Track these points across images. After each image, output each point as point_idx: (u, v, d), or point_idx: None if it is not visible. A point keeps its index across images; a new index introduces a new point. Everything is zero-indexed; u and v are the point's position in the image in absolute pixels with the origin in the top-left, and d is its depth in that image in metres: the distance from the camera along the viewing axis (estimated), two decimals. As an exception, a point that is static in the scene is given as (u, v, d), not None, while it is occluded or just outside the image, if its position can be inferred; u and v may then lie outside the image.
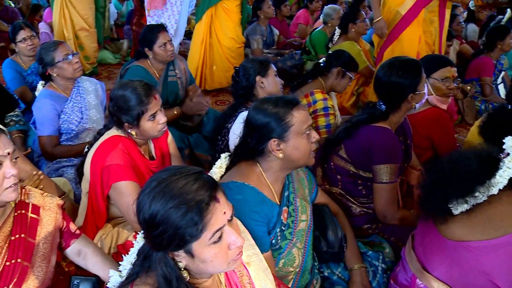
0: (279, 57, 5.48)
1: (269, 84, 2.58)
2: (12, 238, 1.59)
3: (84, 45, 5.52)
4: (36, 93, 3.08)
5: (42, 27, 6.32)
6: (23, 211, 1.65)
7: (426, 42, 3.80)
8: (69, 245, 1.79)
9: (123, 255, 1.95)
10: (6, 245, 1.57)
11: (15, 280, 1.56)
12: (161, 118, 2.15)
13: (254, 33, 5.53)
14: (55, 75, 2.91)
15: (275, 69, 2.65)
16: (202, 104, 3.33)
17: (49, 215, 1.70)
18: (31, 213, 1.66)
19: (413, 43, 3.78)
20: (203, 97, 3.50)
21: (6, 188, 1.50)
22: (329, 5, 5.56)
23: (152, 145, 2.36)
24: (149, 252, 1.23)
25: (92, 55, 5.65)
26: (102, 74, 6.01)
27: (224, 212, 1.17)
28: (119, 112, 2.12)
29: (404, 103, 2.26)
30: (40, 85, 3.09)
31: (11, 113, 3.25)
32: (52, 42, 3.03)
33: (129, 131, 2.15)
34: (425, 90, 2.31)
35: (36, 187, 1.99)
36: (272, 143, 1.70)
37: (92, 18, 5.56)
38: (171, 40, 3.34)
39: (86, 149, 2.31)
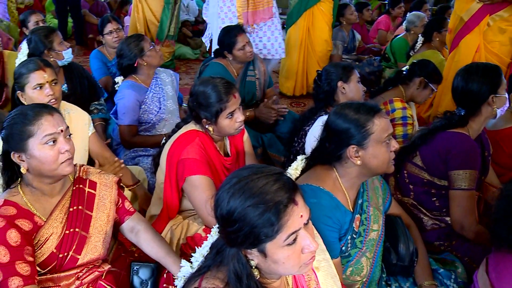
0: (357, 63, 5.41)
1: (351, 90, 2.56)
2: (71, 209, 1.74)
3: (154, 39, 5.72)
4: (116, 87, 3.24)
5: (127, 20, 6.61)
6: (80, 186, 1.81)
7: (493, 53, 3.57)
8: (124, 221, 1.93)
9: (194, 246, 2.04)
10: (66, 215, 1.73)
11: (74, 247, 1.72)
12: (239, 117, 2.19)
13: (335, 38, 5.48)
14: (144, 64, 3.07)
15: (358, 75, 2.62)
16: (271, 113, 3.36)
17: (105, 190, 1.86)
18: (88, 188, 1.83)
19: (470, 52, 3.63)
20: (278, 103, 3.52)
21: (62, 163, 1.64)
22: (413, 12, 5.41)
23: (227, 142, 2.40)
24: (222, 247, 1.26)
25: (163, 50, 5.75)
26: (181, 68, 6.21)
27: (301, 215, 1.18)
28: (198, 108, 2.18)
29: (485, 106, 2.19)
30: (119, 79, 3.24)
31: (95, 102, 3.44)
32: (134, 35, 3.21)
33: (206, 127, 2.21)
34: (507, 96, 2.22)
35: (115, 174, 2.10)
36: (351, 150, 1.69)
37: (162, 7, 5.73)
38: (249, 41, 3.38)
39: (163, 141, 2.40)
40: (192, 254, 1.52)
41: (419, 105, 4.06)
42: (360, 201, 1.84)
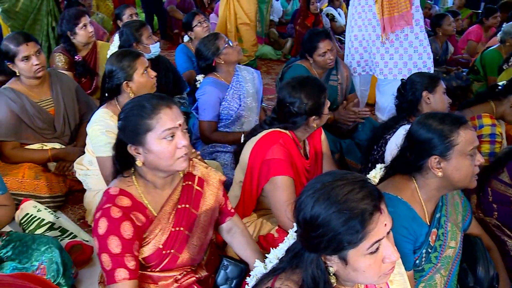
0: (445, 75, 5.21)
1: (436, 101, 2.50)
2: (179, 206, 1.75)
3: (244, 38, 5.82)
4: (197, 84, 3.34)
5: (212, 18, 6.81)
6: (189, 183, 1.80)
7: None
8: (224, 222, 1.95)
9: (265, 246, 2.07)
10: (174, 212, 1.73)
11: (177, 245, 1.72)
12: (325, 119, 2.28)
13: (428, 49, 5.30)
14: (222, 62, 3.16)
15: (444, 86, 2.56)
16: (350, 115, 3.33)
17: (211, 190, 1.85)
18: (197, 185, 1.82)
19: None
20: (357, 107, 3.49)
21: (178, 158, 1.61)
22: (511, 23, 5.14)
23: (307, 143, 2.43)
24: (300, 251, 1.26)
25: (250, 48, 5.91)
26: (262, 68, 6.30)
27: (385, 224, 1.18)
28: (292, 114, 2.22)
29: None
30: (200, 77, 3.34)
31: (178, 95, 3.59)
32: (209, 35, 3.29)
33: (313, 124, 2.25)
34: None
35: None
36: (433, 160, 1.66)
37: (254, 13, 5.85)
38: (332, 48, 3.36)
39: (243, 139, 2.46)
40: (266, 254, 1.53)
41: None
42: (438, 215, 1.80)
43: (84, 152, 2.82)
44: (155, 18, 7.59)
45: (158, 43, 3.42)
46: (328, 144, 2.58)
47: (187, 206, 1.76)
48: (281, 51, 7.04)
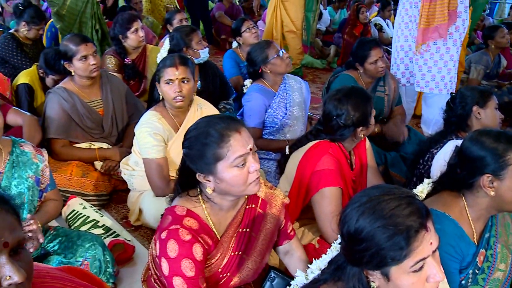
0: (496, 90, 5.06)
1: (487, 116, 2.44)
2: (240, 230, 1.71)
3: (290, 46, 5.86)
4: (244, 89, 3.39)
5: (260, 25, 6.87)
6: (253, 205, 1.74)
7: None
8: (282, 244, 1.88)
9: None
10: (235, 235, 1.70)
11: (232, 269, 1.70)
12: (371, 129, 2.29)
13: (478, 62, 5.14)
14: (268, 71, 3.18)
15: (496, 101, 2.49)
16: (401, 132, 3.32)
17: (273, 213, 1.79)
18: (259, 208, 1.76)
19: None
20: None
21: (250, 183, 1.55)
22: None
23: (352, 153, 2.41)
24: (343, 264, 1.25)
25: (296, 56, 5.93)
26: (308, 77, 6.30)
27: (431, 243, 1.15)
28: (339, 127, 2.22)
29: None
30: (248, 82, 3.39)
31: (224, 101, 3.63)
32: (262, 41, 3.34)
33: (360, 135, 2.25)
34: None
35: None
36: (485, 179, 1.62)
37: (300, 21, 5.88)
38: (382, 56, 3.34)
39: (287, 150, 2.45)
40: (309, 265, 1.52)
41: None
42: (487, 235, 1.75)
43: (130, 153, 2.90)
44: (201, 23, 7.70)
45: (207, 48, 3.48)
46: (373, 155, 2.56)
47: (248, 230, 1.72)
48: (326, 60, 7.02)
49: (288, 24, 5.80)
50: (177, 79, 2.52)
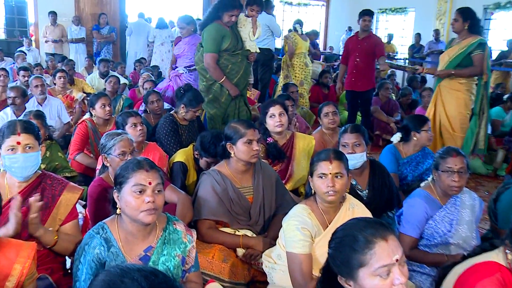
0: None
1: None
2: None
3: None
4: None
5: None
6: None
7: None
8: None
9: None
10: None
11: None
12: None
13: None
14: (440, 181, 3.01)
15: None
16: None
17: None
18: None
19: None
20: None
21: None
22: None
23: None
24: None
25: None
26: (469, 183, 5.94)
27: None
28: None
29: None
30: (423, 183, 3.25)
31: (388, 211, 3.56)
32: (447, 150, 3.10)
33: None
34: None
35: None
36: None
37: (458, 122, 5.65)
38: None
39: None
40: None
41: None
42: None
43: (274, 245, 2.93)
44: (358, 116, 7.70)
45: (365, 153, 3.48)
46: None
47: None
48: (492, 166, 6.58)
49: (444, 123, 5.65)
50: (330, 173, 2.58)
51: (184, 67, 6.37)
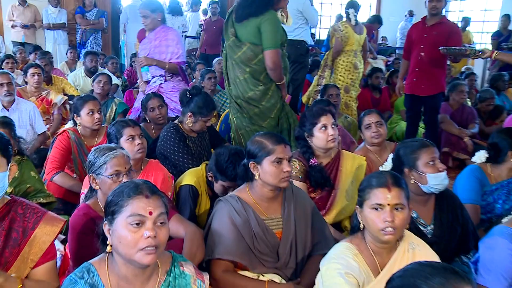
0: None
1: None
2: None
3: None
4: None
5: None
6: None
7: None
8: None
9: None
10: None
11: None
12: None
13: None
14: None
15: None
16: None
17: None
18: None
19: None
20: None
21: None
22: None
23: None
24: None
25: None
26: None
27: None
28: None
29: None
30: (507, 218, 3.19)
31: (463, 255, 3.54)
32: None
33: None
34: None
35: None
36: None
37: None
38: None
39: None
40: None
41: None
42: None
43: (308, 294, 2.95)
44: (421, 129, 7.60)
45: (444, 173, 3.42)
46: None
47: None
48: None
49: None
50: (389, 204, 2.58)
51: (160, 75, 6.32)
